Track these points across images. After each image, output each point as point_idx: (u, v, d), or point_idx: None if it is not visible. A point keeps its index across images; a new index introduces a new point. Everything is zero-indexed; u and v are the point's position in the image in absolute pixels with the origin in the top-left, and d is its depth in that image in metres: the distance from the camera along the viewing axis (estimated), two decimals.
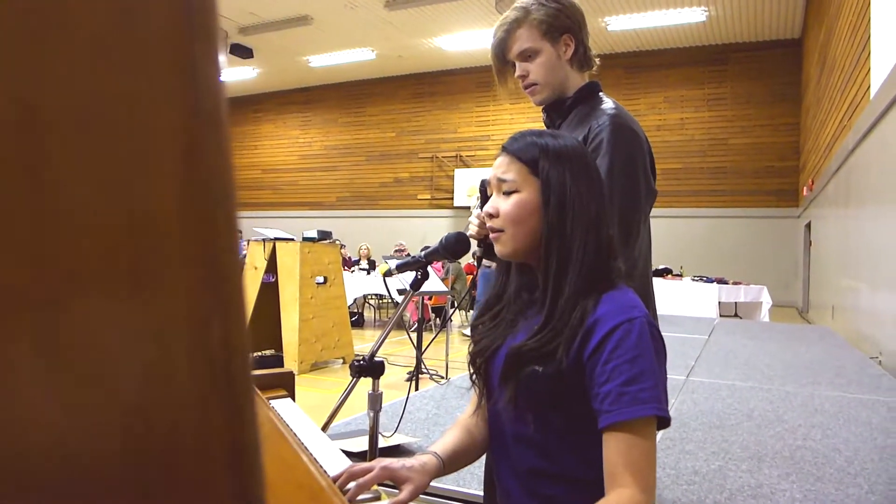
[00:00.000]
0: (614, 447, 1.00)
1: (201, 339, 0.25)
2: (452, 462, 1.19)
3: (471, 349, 1.25)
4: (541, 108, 1.76)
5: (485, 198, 1.66)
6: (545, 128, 1.75)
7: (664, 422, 1.03)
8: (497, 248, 1.18)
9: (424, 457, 1.15)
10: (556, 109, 1.71)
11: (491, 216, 1.18)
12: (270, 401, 1.66)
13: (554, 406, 1.08)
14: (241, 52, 15.63)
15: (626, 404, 0.99)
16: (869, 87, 5.81)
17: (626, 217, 1.49)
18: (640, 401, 0.99)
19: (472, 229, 1.61)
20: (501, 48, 1.68)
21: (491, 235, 1.19)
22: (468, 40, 14.51)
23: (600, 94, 1.69)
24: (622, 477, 0.98)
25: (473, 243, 1.58)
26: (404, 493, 1.06)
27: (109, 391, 0.25)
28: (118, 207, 0.24)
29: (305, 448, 0.97)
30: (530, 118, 15.13)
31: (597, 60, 1.73)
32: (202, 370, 0.25)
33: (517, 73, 1.68)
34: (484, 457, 1.31)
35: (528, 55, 1.65)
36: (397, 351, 7.45)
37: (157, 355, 0.25)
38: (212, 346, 0.25)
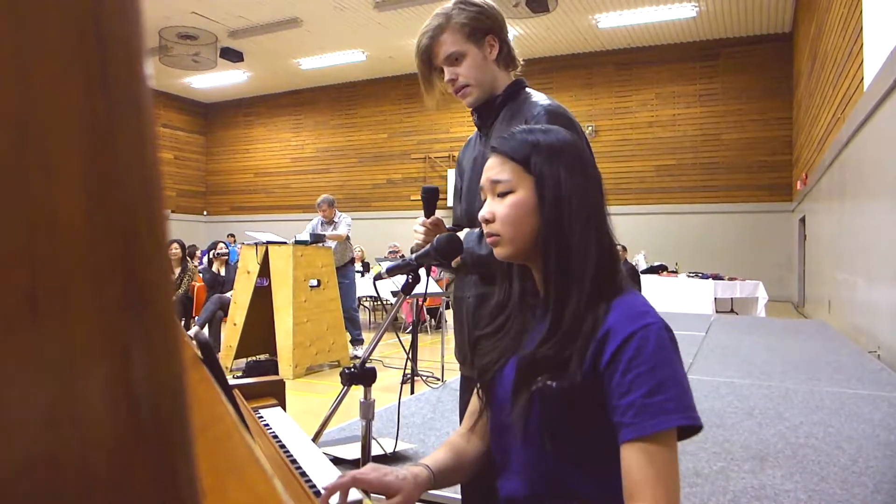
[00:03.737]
0: (635, 460, 0.94)
1: (119, 376, 0.20)
2: (442, 479, 1.16)
3: (477, 363, 1.19)
4: (470, 110, 1.77)
5: (428, 206, 1.68)
6: (476, 129, 1.79)
7: (696, 429, 0.99)
8: (496, 251, 1.13)
9: (416, 469, 1.11)
10: (487, 108, 1.72)
11: (487, 221, 1.12)
12: (259, 410, 1.61)
13: (569, 424, 1.03)
14: (232, 55, 15.55)
15: (650, 416, 0.95)
16: (862, 79, 5.77)
17: None
18: (665, 411, 0.95)
19: (418, 237, 1.62)
20: (428, 55, 1.72)
21: (488, 240, 1.14)
22: None
23: (527, 88, 1.72)
24: (643, 492, 0.93)
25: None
26: (394, 500, 1.03)
27: (2, 440, 0.19)
28: (7, 213, 0.19)
29: (289, 465, 0.92)
30: None
31: (520, 60, 1.76)
32: (122, 414, 0.20)
33: (447, 78, 1.71)
34: None
35: (455, 58, 1.68)
36: (393, 353, 7.39)
37: (62, 396, 0.19)
38: (133, 383, 0.20)
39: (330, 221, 7.35)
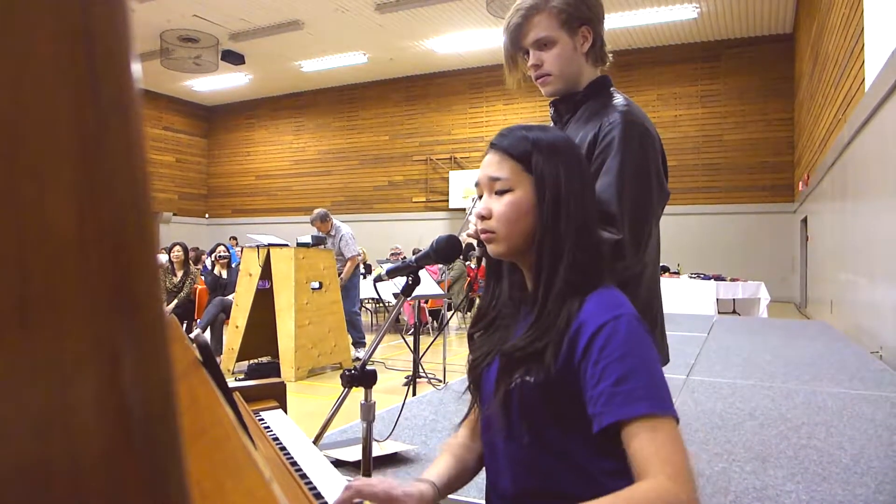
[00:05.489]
0: (636, 445, 0.92)
1: (110, 380, 0.20)
2: (446, 489, 1.17)
3: (469, 359, 1.20)
4: (548, 101, 1.69)
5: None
6: (552, 122, 1.69)
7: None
8: (490, 248, 1.13)
9: (423, 486, 1.11)
10: (566, 103, 1.63)
11: (483, 217, 1.12)
12: (260, 412, 1.61)
13: (548, 418, 1.04)
14: (233, 58, 15.58)
15: (619, 405, 0.94)
16: (864, 79, 5.77)
17: (638, 220, 1.42)
18: (635, 399, 0.94)
19: (471, 228, 1.55)
20: (516, 34, 1.59)
21: (482, 237, 1.14)
22: (459, 42, 14.47)
23: (611, 88, 1.61)
24: (649, 469, 0.90)
25: (475, 243, 1.53)
26: None
27: None
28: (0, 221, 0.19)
29: (289, 468, 0.92)
30: (524, 118, 15.11)
31: (610, 56, 1.65)
32: (112, 419, 0.20)
33: (530, 62, 1.59)
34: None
35: (543, 44, 1.57)
36: (395, 355, 7.40)
37: (53, 402, 0.20)
38: (123, 388, 0.20)
39: (328, 234, 7.34)
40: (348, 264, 7.23)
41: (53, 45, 0.19)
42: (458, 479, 1.21)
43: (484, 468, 1.23)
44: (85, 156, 0.20)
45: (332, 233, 7.37)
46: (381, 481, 1.05)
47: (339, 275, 7.03)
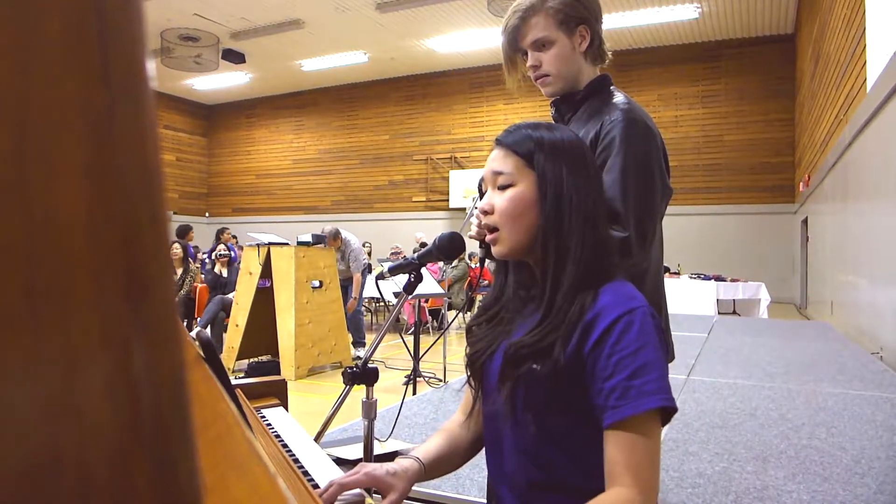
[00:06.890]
0: (616, 445, 0.95)
1: (119, 369, 0.20)
2: (434, 469, 1.18)
3: (468, 351, 1.20)
4: (549, 100, 1.70)
5: (483, 196, 1.61)
6: (552, 122, 1.69)
7: (671, 411, 0.99)
8: (494, 250, 1.13)
9: (406, 462, 1.13)
10: (566, 102, 1.64)
11: (486, 213, 1.13)
12: (262, 410, 1.61)
13: (553, 408, 1.04)
14: (234, 57, 15.56)
15: (632, 398, 0.95)
16: (865, 80, 5.77)
17: (643, 217, 1.42)
18: (646, 393, 0.95)
19: (473, 229, 1.55)
20: (514, 35, 1.60)
21: (489, 237, 1.14)
22: (460, 41, 14.46)
23: (611, 87, 1.62)
24: (622, 476, 0.94)
25: (476, 244, 1.53)
26: (388, 499, 1.05)
27: (1, 438, 0.19)
28: (7, 208, 0.18)
29: (291, 464, 0.91)
30: (524, 118, 15.05)
31: (609, 55, 1.66)
32: (122, 407, 0.20)
33: (529, 63, 1.60)
34: (483, 462, 1.27)
35: (542, 44, 1.57)
36: (395, 354, 7.40)
37: (62, 391, 0.19)
38: (133, 376, 0.20)
39: (338, 249, 7.32)
40: (356, 280, 7.26)
41: (64, 32, 0.19)
42: (448, 460, 1.22)
43: (485, 459, 1.23)
44: (95, 143, 0.19)
45: (343, 247, 7.36)
46: (361, 466, 1.06)
47: (343, 282, 7.06)
